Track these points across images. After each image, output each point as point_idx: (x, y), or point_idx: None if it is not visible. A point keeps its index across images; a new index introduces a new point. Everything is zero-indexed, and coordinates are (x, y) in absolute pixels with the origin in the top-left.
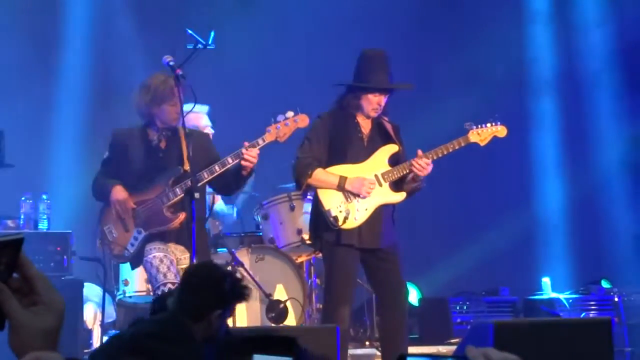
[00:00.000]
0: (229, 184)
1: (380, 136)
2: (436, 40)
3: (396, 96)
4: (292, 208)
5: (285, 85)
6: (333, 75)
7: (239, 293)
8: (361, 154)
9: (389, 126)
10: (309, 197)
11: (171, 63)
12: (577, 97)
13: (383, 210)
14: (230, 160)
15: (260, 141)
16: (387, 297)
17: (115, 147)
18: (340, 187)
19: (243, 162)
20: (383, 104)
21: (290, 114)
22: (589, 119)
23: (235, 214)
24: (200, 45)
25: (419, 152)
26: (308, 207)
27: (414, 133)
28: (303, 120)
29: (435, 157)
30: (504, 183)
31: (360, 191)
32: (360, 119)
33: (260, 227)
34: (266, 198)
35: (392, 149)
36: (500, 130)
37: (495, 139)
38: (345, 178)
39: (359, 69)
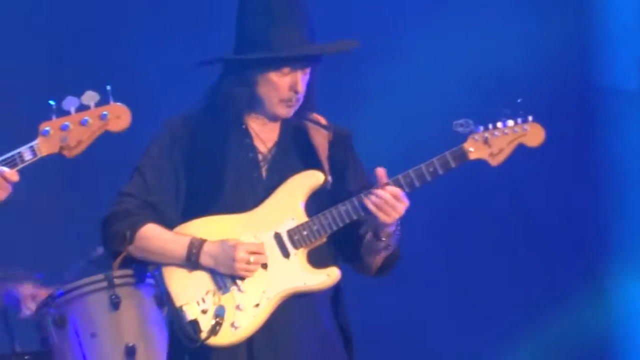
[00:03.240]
0: None
1: (301, 156)
2: None
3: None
4: (116, 303)
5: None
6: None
7: None
8: (256, 194)
9: (319, 135)
10: (150, 279)
11: None
12: None
13: (298, 307)
14: None
15: (26, 154)
16: None
17: None
18: (190, 259)
19: None
20: (302, 88)
21: (90, 97)
22: None
23: None
24: None
25: (379, 171)
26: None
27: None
28: (119, 116)
29: (409, 188)
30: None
31: (231, 268)
32: (255, 123)
33: (51, 343)
34: (61, 283)
35: (309, 180)
36: (531, 134)
37: (521, 150)
38: (201, 244)
39: (244, 26)
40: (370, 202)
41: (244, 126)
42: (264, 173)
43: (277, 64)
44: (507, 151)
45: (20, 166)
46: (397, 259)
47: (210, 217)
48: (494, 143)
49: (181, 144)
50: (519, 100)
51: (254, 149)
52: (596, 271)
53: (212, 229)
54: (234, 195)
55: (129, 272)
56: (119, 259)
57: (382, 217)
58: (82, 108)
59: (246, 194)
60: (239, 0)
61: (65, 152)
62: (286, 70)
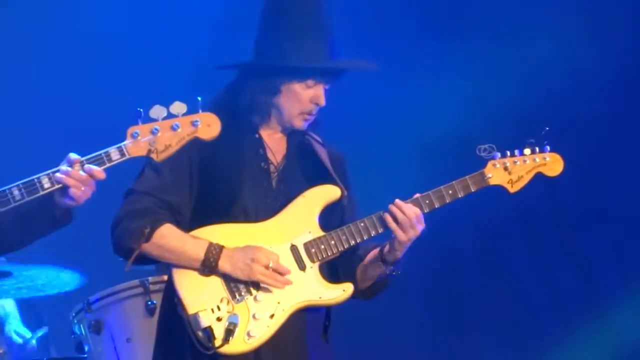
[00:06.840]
0: (14, 233)
1: (306, 169)
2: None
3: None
4: (152, 309)
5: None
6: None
7: None
8: (266, 204)
9: (322, 151)
10: None
11: None
12: None
13: (306, 320)
14: (46, 182)
15: (114, 154)
16: None
17: None
18: (208, 266)
19: (72, 190)
20: (324, 102)
21: (179, 107)
22: None
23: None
24: None
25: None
26: None
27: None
28: (210, 124)
29: (428, 208)
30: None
31: (249, 270)
32: (266, 133)
33: (86, 349)
34: (97, 289)
35: (327, 194)
36: (551, 163)
37: (539, 179)
38: (221, 248)
39: (271, 35)
40: (391, 218)
41: (257, 135)
42: (273, 184)
43: (304, 75)
44: (526, 179)
45: (107, 165)
46: (385, 284)
47: (224, 225)
48: (513, 170)
49: (198, 143)
50: (543, 132)
51: (266, 160)
52: None
53: (226, 236)
54: (247, 203)
55: (164, 278)
56: (132, 257)
57: (400, 235)
58: (169, 117)
59: (258, 204)
60: (263, 9)
61: (153, 156)
62: (311, 82)
